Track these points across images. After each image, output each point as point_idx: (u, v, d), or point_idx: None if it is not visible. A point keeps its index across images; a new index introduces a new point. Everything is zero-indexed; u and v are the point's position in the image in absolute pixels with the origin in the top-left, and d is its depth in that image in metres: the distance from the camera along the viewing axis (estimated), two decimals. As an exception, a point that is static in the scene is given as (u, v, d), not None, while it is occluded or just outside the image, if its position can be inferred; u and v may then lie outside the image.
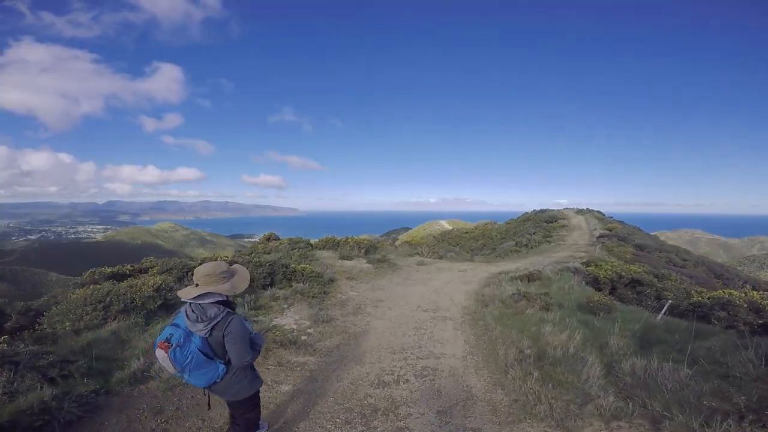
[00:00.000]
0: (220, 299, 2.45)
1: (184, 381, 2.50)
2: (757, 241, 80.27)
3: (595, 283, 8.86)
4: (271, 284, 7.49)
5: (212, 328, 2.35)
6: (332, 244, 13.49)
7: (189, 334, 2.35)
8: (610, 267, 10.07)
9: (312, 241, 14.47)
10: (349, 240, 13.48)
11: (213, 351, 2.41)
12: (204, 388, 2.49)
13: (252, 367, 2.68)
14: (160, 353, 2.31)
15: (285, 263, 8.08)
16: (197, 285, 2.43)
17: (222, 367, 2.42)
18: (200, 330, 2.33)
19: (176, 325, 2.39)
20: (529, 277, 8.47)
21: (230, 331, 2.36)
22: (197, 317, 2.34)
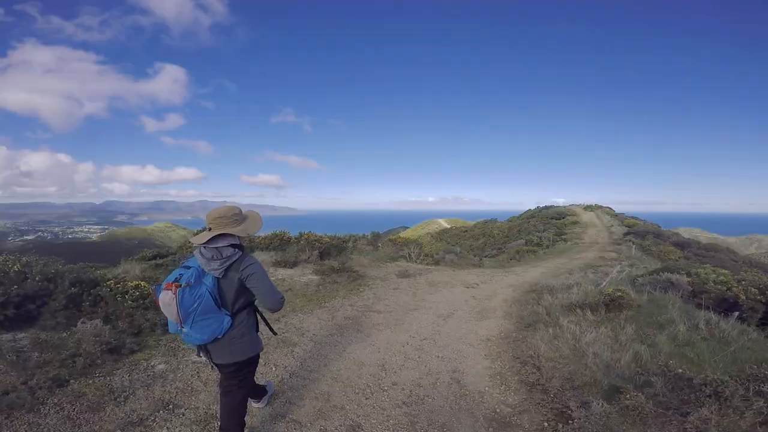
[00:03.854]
0: (234, 243, 2.15)
1: (181, 338, 2.12)
2: (755, 239, 77.40)
3: (724, 306, 4.63)
4: (37, 320, 3.28)
5: (227, 269, 2.06)
6: (279, 243, 9.25)
7: (201, 274, 2.04)
8: (724, 277, 5.90)
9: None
10: (303, 237, 9.23)
11: (222, 298, 2.08)
12: (202, 345, 2.12)
13: (255, 326, 2.30)
14: (165, 295, 1.95)
15: (88, 276, 3.84)
16: (210, 229, 2.14)
17: (228, 319, 2.08)
18: (215, 269, 2.03)
19: (187, 267, 2.08)
20: (608, 305, 4.27)
21: (253, 272, 2.09)
22: (212, 255, 2.05)
